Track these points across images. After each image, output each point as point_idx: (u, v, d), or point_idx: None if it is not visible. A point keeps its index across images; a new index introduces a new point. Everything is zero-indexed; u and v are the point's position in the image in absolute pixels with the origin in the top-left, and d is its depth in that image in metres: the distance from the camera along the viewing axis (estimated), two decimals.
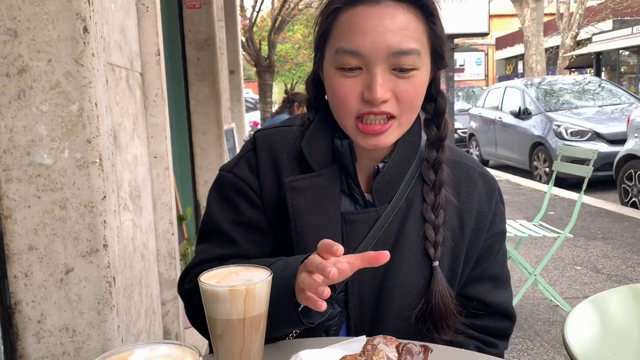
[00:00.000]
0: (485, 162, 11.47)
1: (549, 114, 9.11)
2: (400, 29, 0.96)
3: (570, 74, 19.79)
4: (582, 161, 3.69)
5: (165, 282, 2.72)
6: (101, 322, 1.73)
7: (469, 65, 29.15)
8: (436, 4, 1.02)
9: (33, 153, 1.64)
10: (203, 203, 4.70)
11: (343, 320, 1.09)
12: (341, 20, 1.00)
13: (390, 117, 0.99)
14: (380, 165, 1.08)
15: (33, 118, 1.63)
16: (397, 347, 0.83)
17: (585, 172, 3.33)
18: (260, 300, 0.84)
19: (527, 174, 9.45)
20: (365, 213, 1.07)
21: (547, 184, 7.82)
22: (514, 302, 3.38)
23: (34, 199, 1.65)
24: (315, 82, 1.12)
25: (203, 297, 0.84)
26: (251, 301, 0.82)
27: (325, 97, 1.09)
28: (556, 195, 7.36)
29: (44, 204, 1.65)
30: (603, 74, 20.03)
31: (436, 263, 1.06)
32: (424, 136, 1.12)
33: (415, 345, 0.83)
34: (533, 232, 3.47)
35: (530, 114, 9.51)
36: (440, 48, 1.04)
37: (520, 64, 26.74)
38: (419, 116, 1.10)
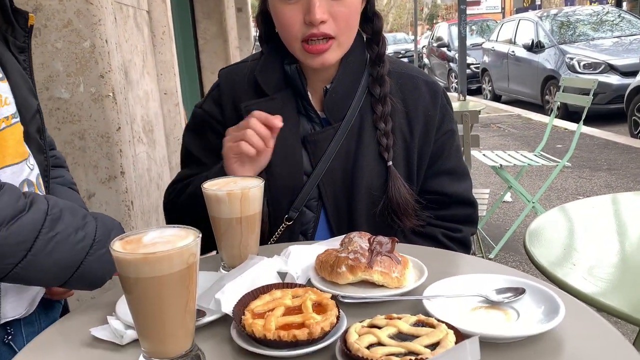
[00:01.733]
0: (497, 97, 11.39)
1: (563, 46, 8.95)
2: None
3: (590, 4, 19.09)
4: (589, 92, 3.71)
5: None
6: None
7: None
8: None
9: (51, 88, 1.77)
10: None
11: (317, 224, 1.25)
12: None
13: (330, 37, 1.13)
14: (329, 85, 1.22)
15: (49, 55, 1.76)
16: (369, 239, 0.98)
17: (585, 102, 3.39)
18: (254, 202, 0.98)
19: (539, 108, 9.41)
20: (324, 132, 1.22)
21: (560, 118, 7.86)
22: (513, 228, 3.54)
23: (55, 131, 1.80)
24: (264, 18, 1.24)
25: (207, 201, 0.99)
26: (246, 203, 0.97)
27: (276, 30, 1.22)
28: (566, 129, 7.38)
29: (64, 135, 1.80)
30: (624, 4, 19.29)
31: (390, 163, 1.21)
32: (368, 55, 1.24)
33: (384, 237, 0.98)
34: (533, 161, 3.58)
35: (543, 47, 9.35)
36: None
37: None
38: (361, 37, 1.23)
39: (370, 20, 1.22)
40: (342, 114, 1.21)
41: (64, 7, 1.74)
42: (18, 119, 0.99)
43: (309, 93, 1.23)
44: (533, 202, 3.48)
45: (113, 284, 0.88)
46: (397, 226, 1.22)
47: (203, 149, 1.27)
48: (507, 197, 4.51)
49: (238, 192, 0.96)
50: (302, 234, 1.25)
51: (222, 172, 1.12)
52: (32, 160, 1.03)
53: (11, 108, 0.97)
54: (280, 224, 1.23)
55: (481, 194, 3.14)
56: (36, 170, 1.04)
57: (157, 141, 2.58)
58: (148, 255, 0.67)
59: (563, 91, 3.95)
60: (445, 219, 1.28)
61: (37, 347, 0.82)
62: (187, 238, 0.70)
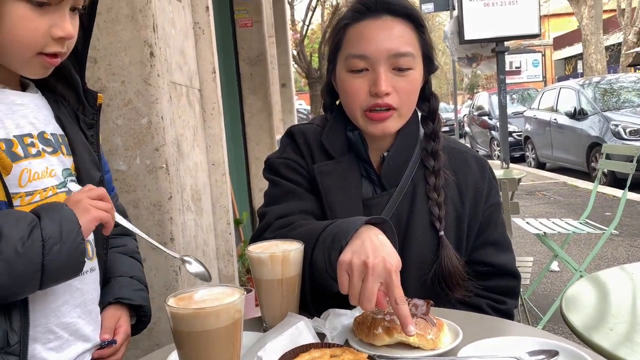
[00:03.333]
0: (542, 165, 11.25)
1: (606, 113, 8.88)
2: (397, 36, 1.22)
3: (635, 71, 18.99)
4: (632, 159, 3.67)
5: (224, 278, 2.98)
6: None
7: (526, 67, 28.46)
8: (424, 19, 1.28)
9: (111, 161, 1.93)
10: None
11: None
12: (350, 33, 1.25)
13: (392, 108, 1.22)
14: (386, 153, 1.30)
15: (110, 131, 1.93)
16: None
17: (629, 169, 3.35)
18: (294, 264, 1.05)
19: (585, 175, 9.24)
20: (380, 197, 1.29)
21: (607, 185, 7.67)
22: (559, 299, 3.42)
23: (114, 200, 1.93)
24: (329, 89, 1.36)
25: (250, 263, 1.07)
26: (287, 265, 1.03)
27: (337, 102, 1.34)
28: (614, 196, 7.18)
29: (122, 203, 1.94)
30: None
31: (442, 233, 1.26)
32: (422, 130, 1.34)
33: (419, 300, 1.01)
34: (578, 229, 3.51)
35: (586, 114, 9.30)
36: (430, 53, 1.28)
37: (580, 64, 25.87)
38: (416, 114, 1.33)
39: (427, 100, 1.33)
40: (397, 181, 1.28)
41: (125, 88, 1.92)
42: (64, 190, 1.04)
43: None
44: (581, 271, 3.38)
45: (168, 339, 0.94)
46: (446, 295, 1.25)
47: (301, 187, 1.29)
48: (554, 267, 4.39)
49: (279, 255, 1.03)
50: None
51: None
52: None
53: (51, 180, 1.02)
54: None
55: (525, 262, 3.09)
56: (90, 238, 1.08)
57: (204, 209, 2.70)
58: (199, 310, 0.73)
59: (606, 158, 3.92)
60: (491, 290, 1.32)
61: None
62: (233, 295, 0.77)
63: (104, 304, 1.14)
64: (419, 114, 1.35)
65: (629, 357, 0.96)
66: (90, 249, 1.09)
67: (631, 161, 3.41)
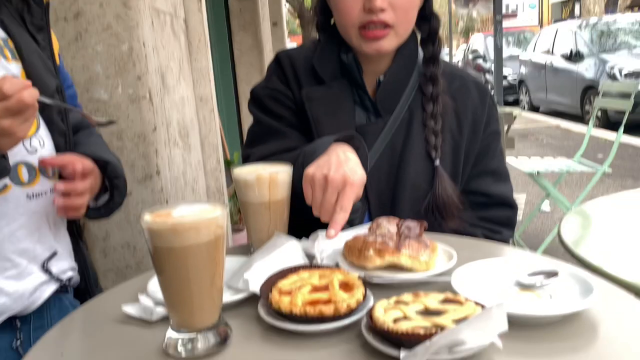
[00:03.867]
0: (535, 109, 11.17)
1: (603, 55, 8.74)
2: None
3: (637, 10, 18.57)
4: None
5: None
6: None
7: (522, 10, 27.86)
8: None
9: (92, 89, 1.83)
10: None
11: (365, 215, 1.24)
12: None
13: (388, 25, 1.13)
14: (382, 77, 1.22)
15: (89, 58, 1.82)
16: (397, 224, 0.97)
17: (626, 106, 3.29)
18: (282, 187, 0.99)
19: (578, 119, 9.18)
20: (374, 124, 1.22)
21: (600, 128, 7.63)
22: (550, 237, 3.44)
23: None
24: (322, 8, 1.26)
25: (236, 185, 1.01)
26: (274, 188, 0.98)
27: (331, 21, 1.24)
28: (607, 140, 7.16)
29: (103, 136, 1.85)
30: None
31: (437, 162, 1.20)
32: (421, 53, 1.25)
33: (412, 222, 0.97)
34: (572, 168, 3.49)
35: (582, 56, 9.15)
36: None
37: (577, 7, 25.31)
38: (415, 35, 1.24)
39: (427, 20, 1.23)
40: (393, 107, 1.21)
41: (103, 11, 1.81)
42: None
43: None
44: (572, 210, 3.38)
45: (146, 268, 0.90)
46: (439, 225, 1.20)
47: (283, 125, 1.24)
48: (545, 207, 4.39)
49: (266, 177, 0.97)
50: (349, 223, 1.24)
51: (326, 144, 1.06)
52: (34, 142, 0.97)
53: None
54: None
55: (517, 199, 3.07)
56: (45, 152, 0.99)
57: (193, 146, 2.63)
58: (177, 224, 0.68)
59: (603, 97, 3.85)
60: (486, 219, 1.27)
61: (69, 323, 0.85)
62: (214, 211, 0.71)
63: None
64: (418, 36, 1.26)
65: (629, 277, 0.93)
66: (26, 169, 0.96)
67: (628, 98, 3.35)
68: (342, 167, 0.97)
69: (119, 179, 1.09)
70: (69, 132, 1.06)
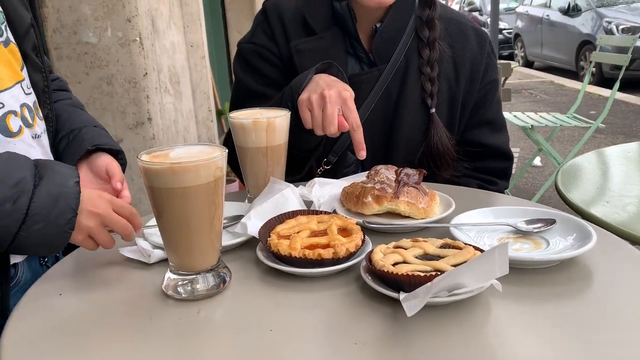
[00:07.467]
0: (530, 64, 11.06)
1: (600, 9, 8.59)
2: None
3: None
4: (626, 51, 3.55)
5: None
6: None
7: None
8: None
9: (80, 32, 1.78)
10: None
11: (359, 167, 1.23)
12: None
13: None
14: (378, 25, 1.18)
15: None
16: (395, 171, 0.96)
17: (623, 60, 3.26)
18: (280, 132, 0.98)
19: (573, 75, 9.12)
20: (369, 73, 1.19)
21: (594, 84, 7.60)
22: (541, 191, 3.47)
23: (84, 76, 1.81)
24: None
25: (233, 130, 0.99)
26: (272, 132, 0.96)
27: None
28: (600, 95, 7.15)
29: (92, 80, 1.81)
30: None
31: (433, 110, 1.18)
32: None
33: (411, 169, 0.96)
34: (565, 122, 3.48)
35: (580, 10, 9.00)
36: None
37: None
38: None
39: None
40: (389, 55, 1.18)
41: None
42: (3, 37, 0.89)
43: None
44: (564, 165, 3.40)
45: (143, 207, 0.89)
46: (433, 174, 1.19)
47: (265, 85, 1.22)
48: (537, 162, 4.42)
49: (264, 121, 0.95)
50: (343, 176, 1.23)
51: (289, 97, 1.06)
52: (27, 83, 0.93)
53: None
54: (319, 167, 1.22)
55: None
56: (33, 95, 0.94)
57: (184, 94, 2.58)
58: (174, 165, 0.66)
59: (600, 51, 3.80)
60: (481, 170, 1.26)
61: (68, 264, 0.84)
62: (213, 153, 0.70)
63: (79, 153, 0.99)
64: None
65: (624, 224, 0.93)
66: (28, 111, 0.92)
67: (626, 53, 3.31)
68: (334, 85, 1.00)
69: (125, 163, 1.06)
70: (46, 69, 1.00)
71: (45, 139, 0.96)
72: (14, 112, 0.87)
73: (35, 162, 0.78)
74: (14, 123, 0.86)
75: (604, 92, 7.22)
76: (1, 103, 0.85)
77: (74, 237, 0.76)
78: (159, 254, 0.81)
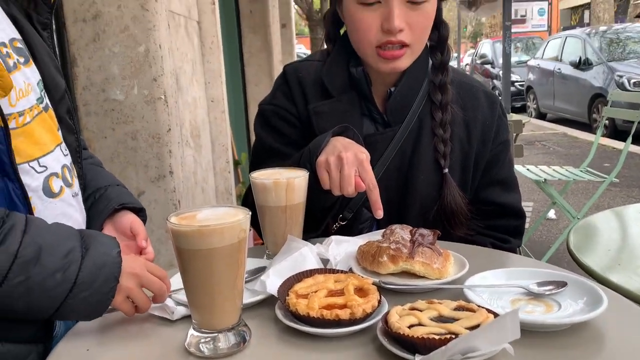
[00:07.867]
0: (542, 116, 11.16)
1: (612, 64, 8.72)
2: None
3: None
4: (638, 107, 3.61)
5: None
6: (168, 239, 1.98)
7: (532, 16, 27.78)
8: None
9: (108, 90, 1.87)
10: None
11: (374, 223, 1.27)
12: None
13: (405, 45, 1.14)
14: (393, 88, 1.24)
15: (106, 59, 1.86)
16: (410, 231, 0.99)
17: (635, 116, 3.30)
18: (299, 192, 1.02)
19: (586, 127, 9.17)
20: (383, 133, 1.24)
21: (607, 137, 7.63)
22: (556, 245, 3.45)
23: (110, 131, 1.89)
24: (333, 18, 1.27)
25: (254, 189, 1.04)
26: (291, 192, 1.01)
27: (341, 31, 1.25)
28: (614, 148, 7.16)
29: (118, 135, 1.89)
30: None
31: (446, 170, 1.22)
32: (430, 61, 1.26)
33: (426, 230, 0.99)
34: (578, 176, 3.50)
35: (591, 64, 9.14)
36: None
37: (586, 14, 25.24)
38: (425, 45, 1.23)
39: (436, 28, 1.23)
40: (403, 117, 1.23)
41: (121, 13, 1.84)
42: (44, 104, 0.94)
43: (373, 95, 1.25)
44: (578, 218, 3.39)
45: (163, 258, 0.93)
46: (448, 233, 1.22)
47: (284, 144, 1.27)
48: (551, 215, 4.41)
49: (284, 181, 1.00)
50: (359, 233, 1.25)
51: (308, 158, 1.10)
52: (64, 145, 0.99)
53: (32, 96, 0.91)
54: (335, 222, 1.25)
55: (524, 207, 3.09)
56: (69, 156, 1.00)
57: (204, 146, 2.66)
58: (202, 227, 0.71)
59: (611, 106, 3.86)
60: (494, 228, 1.29)
61: (93, 320, 0.87)
62: (237, 215, 0.74)
63: (106, 212, 1.05)
64: (427, 44, 1.26)
65: (636, 289, 0.95)
66: (68, 172, 0.97)
67: (637, 109, 3.35)
68: (350, 148, 1.05)
69: (145, 218, 1.12)
70: (78, 130, 1.07)
71: (80, 197, 1.01)
72: (56, 174, 0.93)
73: (81, 232, 0.83)
74: (55, 184, 0.92)
75: (618, 144, 7.23)
76: (45, 166, 0.90)
77: (114, 301, 0.81)
78: (182, 310, 0.85)
